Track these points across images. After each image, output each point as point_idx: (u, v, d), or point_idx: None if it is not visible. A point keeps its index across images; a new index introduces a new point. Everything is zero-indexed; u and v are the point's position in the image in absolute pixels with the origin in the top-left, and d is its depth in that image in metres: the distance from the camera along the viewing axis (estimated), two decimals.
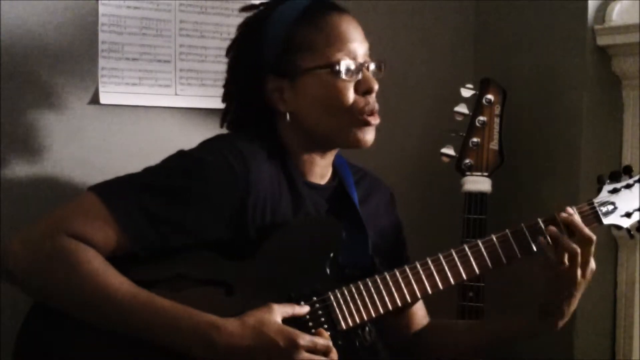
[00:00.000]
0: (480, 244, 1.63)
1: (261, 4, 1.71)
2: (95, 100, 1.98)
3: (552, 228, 1.62)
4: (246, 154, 1.57)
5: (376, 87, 1.63)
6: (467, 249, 1.62)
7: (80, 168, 1.97)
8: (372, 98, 1.63)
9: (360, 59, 1.62)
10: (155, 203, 1.51)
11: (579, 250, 1.59)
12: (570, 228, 1.61)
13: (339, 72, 1.59)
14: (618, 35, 2.08)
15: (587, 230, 1.61)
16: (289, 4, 1.65)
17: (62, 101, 1.96)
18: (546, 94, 2.24)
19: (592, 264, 1.63)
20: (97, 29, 1.98)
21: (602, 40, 2.11)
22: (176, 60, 2.07)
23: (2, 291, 1.83)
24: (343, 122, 1.61)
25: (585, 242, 1.60)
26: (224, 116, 1.72)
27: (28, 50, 1.91)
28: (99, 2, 1.97)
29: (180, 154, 1.59)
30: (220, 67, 2.07)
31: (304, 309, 1.53)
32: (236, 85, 1.69)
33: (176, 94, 2.08)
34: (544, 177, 2.24)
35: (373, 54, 1.67)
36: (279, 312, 1.49)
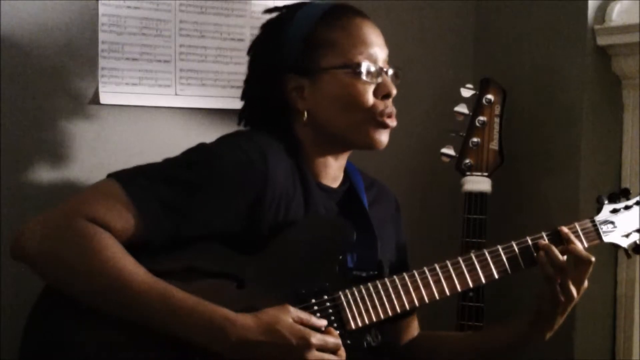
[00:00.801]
0: (487, 254, 1.65)
1: (284, 6, 1.73)
2: (95, 100, 1.98)
3: (543, 242, 1.65)
4: (265, 150, 1.58)
5: (394, 92, 1.66)
6: (474, 257, 1.65)
7: (80, 168, 1.97)
8: (390, 102, 1.66)
9: (380, 64, 1.65)
10: (173, 194, 1.52)
11: (565, 265, 1.63)
12: (569, 250, 1.65)
13: (359, 73, 1.62)
14: (618, 35, 2.08)
15: (584, 251, 1.65)
16: (312, 5, 1.68)
17: (62, 101, 1.96)
18: (546, 94, 2.24)
19: (585, 283, 1.67)
20: (97, 29, 1.98)
21: (602, 40, 2.11)
22: (176, 60, 2.07)
23: (2, 291, 1.84)
24: (360, 121, 1.64)
25: (583, 262, 1.64)
26: (241, 114, 1.73)
27: (28, 50, 1.91)
28: (99, 2, 1.97)
29: (201, 147, 1.60)
30: (220, 67, 2.08)
31: (320, 322, 1.53)
32: (256, 84, 1.70)
33: (176, 94, 2.08)
34: (544, 177, 2.24)
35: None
36: (294, 315, 1.50)
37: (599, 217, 1.72)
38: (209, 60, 2.11)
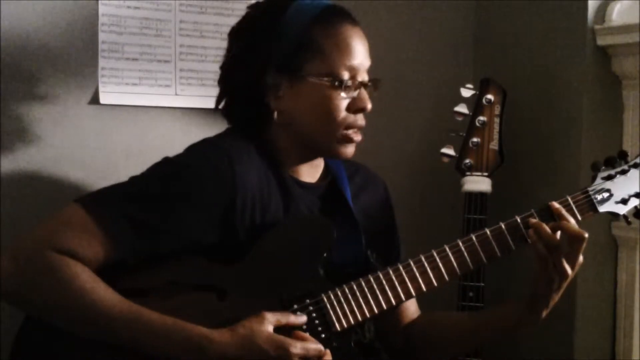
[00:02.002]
0: (474, 238, 1.61)
1: None
2: (95, 100, 1.98)
3: (533, 220, 1.60)
4: (232, 155, 1.56)
5: (369, 107, 1.63)
6: (460, 243, 1.61)
7: (81, 168, 1.97)
8: (361, 116, 1.63)
9: (361, 76, 1.62)
10: (141, 211, 1.50)
11: (558, 242, 1.57)
12: (560, 227, 1.59)
13: (339, 86, 1.59)
14: (618, 35, 2.08)
15: (576, 228, 1.58)
16: (305, 3, 1.63)
17: (62, 101, 1.96)
18: (546, 93, 2.24)
19: (580, 258, 1.60)
20: (97, 29, 1.98)
21: (602, 40, 2.11)
22: (176, 60, 2.07)
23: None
24: (327, 135, 1.61)
25: (575, 239, 1.58)
26: (218, 100, 1.70)
27: (28, 50, 1.91)
28: (99, 2, 1.97)
29: (165, 161, 1.58)
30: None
31: (299, 319, 1.52)
32: (237, 73, 1.65)
33: (176, 94, 2.08)
34: (544, 177, 2.24)
35: (373, 57, 1.66)
36: (271, 320, 1.48)
37: (592, 187, 1.64)
38: (209, 60, 2.11)
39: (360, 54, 1.62)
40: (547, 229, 1.59)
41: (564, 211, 1.61)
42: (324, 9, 1.63)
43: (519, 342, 2.22)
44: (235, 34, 1.68)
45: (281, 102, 1.61)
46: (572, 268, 1.60)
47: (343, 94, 1.60)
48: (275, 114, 1.61)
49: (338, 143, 1.62)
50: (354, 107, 1.62)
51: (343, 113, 1.61)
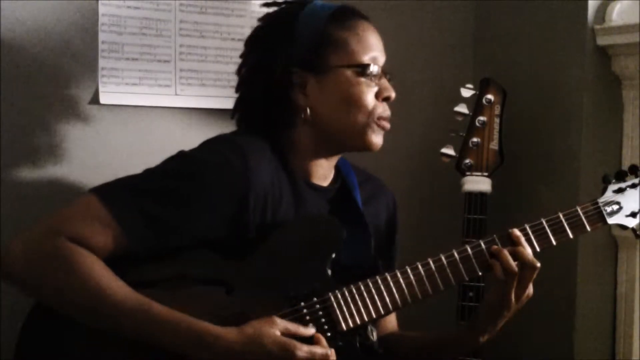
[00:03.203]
0: (482, 244, 1.62)
1: (285, 1, 1.72)
2: (95, 100, 1.98)
3: (495, 247, 1.61)
4: (246, 152, 1.57)
5: (394, 95, 1.67)
6: (469, 249, 1.62)
7: (80, 168, 1.97)
8: (386, 106, 1.67)
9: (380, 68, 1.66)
10: (154, 205, 1.52)
11: (516, 270, 1.58)
12: (516, 253, 1.60)
13: (366, 73, 1.63)
14: (618, 35, 2.08)
15: (530, 256, 1.59)
16: (318, 4, 1.68)
17: (62, 101, 1.96)
18: (546, 93, 2.24)
19: (530, 290, 1.62)
20: (97, 29, 1.98)
21: (602, 40, 2.11)
22: (176, 60, 2.07)
23: (2, 291, 1.84)
24: (360, 123, 1.63)
25: (527, 267, 1.59)
26: (236, 107, 1.71)
27: (28, 50, 1.91)
28: (99, 2, 1.97)
29: (180, 154, 1.59)
30: (220, 67, 2.09)
31: (309, 331, 1.52)
32: (258, 77, 1.67)
33: (176, 94, 2.08)
34: (544, 177, 2.24)
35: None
36: (281, 326, 1.49)
37: (602, 199, 1.66)
38: (209, 60, 2.11)
39: (377, 48, 1.67)
40: (508, 255, 1.59)
41: (522, 239, 1.61)
42: (339, 8, 1.68)
43: (519, 342, 2.22)
44: (252, 41, 1.71)
45: (309, 98, 1.63)
46: (518, 299, 1.61)
47: (370, 81, 1.63)
48: (308, 110, 1.63)
49: (371, 131, 1.64)
50: (381, 95, 1.65)
51: (373, 101, 1.64)
